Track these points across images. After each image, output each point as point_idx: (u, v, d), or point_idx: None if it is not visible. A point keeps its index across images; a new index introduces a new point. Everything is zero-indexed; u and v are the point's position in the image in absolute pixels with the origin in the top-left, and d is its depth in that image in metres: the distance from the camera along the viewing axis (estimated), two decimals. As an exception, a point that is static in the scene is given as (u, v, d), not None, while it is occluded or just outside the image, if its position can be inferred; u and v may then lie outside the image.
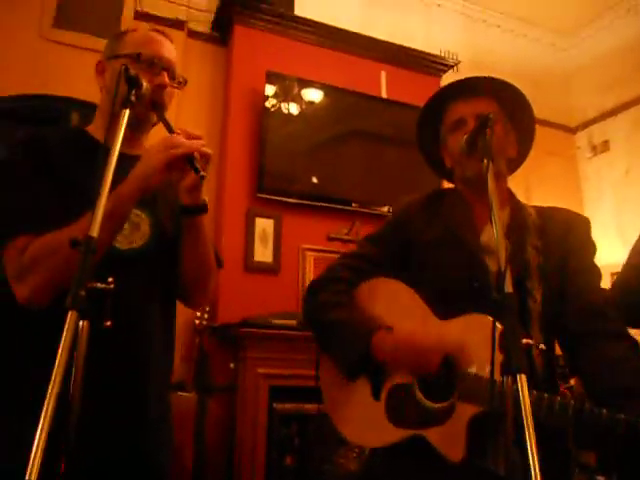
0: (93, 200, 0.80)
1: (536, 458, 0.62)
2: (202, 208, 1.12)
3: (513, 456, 0.83)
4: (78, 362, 0.70)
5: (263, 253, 3.03)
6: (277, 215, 3.13)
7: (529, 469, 0.61)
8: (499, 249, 0.80)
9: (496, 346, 0.74)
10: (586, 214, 4.15)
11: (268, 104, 3.18)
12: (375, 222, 2.70)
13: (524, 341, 0.68)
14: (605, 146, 4.35)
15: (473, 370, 1.05)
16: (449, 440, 1.04)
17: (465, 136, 1.10)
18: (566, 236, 1.20)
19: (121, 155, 0.88)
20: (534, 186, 4.19)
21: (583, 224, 1.25)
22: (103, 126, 1.16)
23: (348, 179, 3.32)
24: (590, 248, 1.22)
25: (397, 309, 1.20)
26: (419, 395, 1.11)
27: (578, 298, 1.14)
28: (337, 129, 3.36)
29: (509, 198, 1.28)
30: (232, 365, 2.80)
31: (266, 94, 3.18)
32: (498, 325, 0.89)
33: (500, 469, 1.00)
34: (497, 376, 0.88)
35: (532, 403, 0.68)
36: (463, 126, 1.21)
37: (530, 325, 1.09)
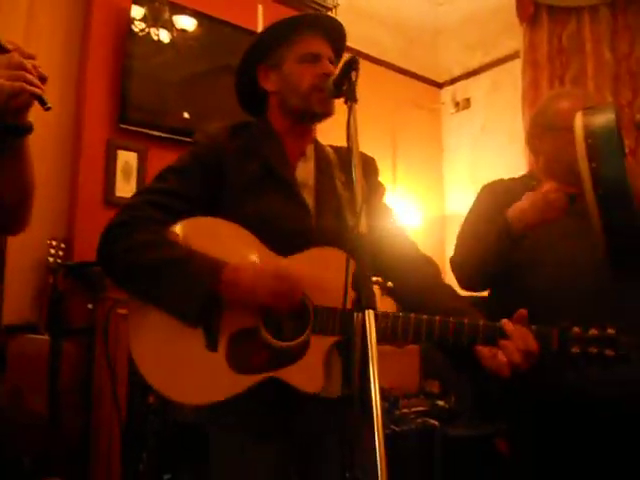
0: None
1: (377, 385, 0.67)
2: (28, 129, 0.99)
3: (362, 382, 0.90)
4: None
5: (125, 188, 2.85)
6: (142, 149, 2.95)
7: (370, 395, 0.66)
8: (356, 189, 0.83)
9: (349, 278, 0.77)
10: (445, 165, 4.43)
11: (135, 28, 2.92)
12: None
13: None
14: (467, 103, 4.63)
15: (324, 303, 1.06)
16: (307, 374, 1.04)
17: (332, 77, 1.10)
18: (365, 175, 1.24)
19: None
20: (400, 135, 4.38)
21: (375, 164, 1.33)
22: None
23: (220, 115, 3.19)
24: (382, 187, 1.34)
25: (232, 248, 1.10)
26: (267, 337, 1.07)
27: (386, 235, 1.24)
28: (211, 62, 3.19)
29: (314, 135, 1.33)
30: (90, 306, 2.66)
31: (132, 16, 2.91)
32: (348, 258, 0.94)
33: (336, 393, 1.06)
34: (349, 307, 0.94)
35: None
36: (317, 63, 1.21)
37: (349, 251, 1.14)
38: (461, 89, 4.67)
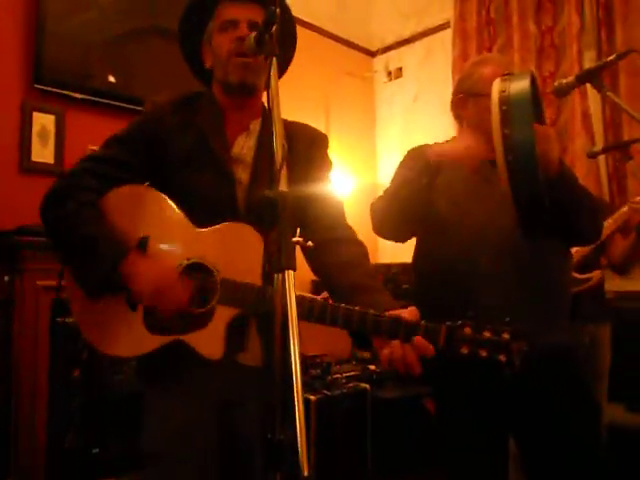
0: None
1: (298, 351, 0.66)
2: None
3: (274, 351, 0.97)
4: None
5: (42, 153, 2.67)
6: (60, 111, 2.77)
7: (290, 361, 0.66)
8: (276, 146, 0.81)
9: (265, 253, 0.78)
10: (378, 134, 4.45)
11: (50, -19, 2.71)
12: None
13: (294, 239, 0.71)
14: (399, 73, 4.65)
15: (231, 276, 1.11)
16: (209, 341, 1.10)
17: (253, 34, 1.06)
18: (310, 148, 1.30)
19: None
20: (333, 104, 4.35)
21: (324, 140, 1.36)
22: None
23: (145, 78, 3.05)
24: (328, 163, 1.35)
25: (151, 218, 1.17)
26: None
27: (318, 209, 1.26)
28: (138, 22, 3.03)
29: (262, 110, 1.31)
30: (7, 278, 2.51)
31: (47, -32, 2.69)
32: (257, 234, 1.08)
33: (257, 362, 1.14)
34: (259, 282, 1.07)
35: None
36: (234, 29, 1.21)
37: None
38: (394, 58, 4.68)
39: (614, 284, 3.07)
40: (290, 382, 0.64)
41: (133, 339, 1.14)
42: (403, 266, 3.65)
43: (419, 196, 1.44)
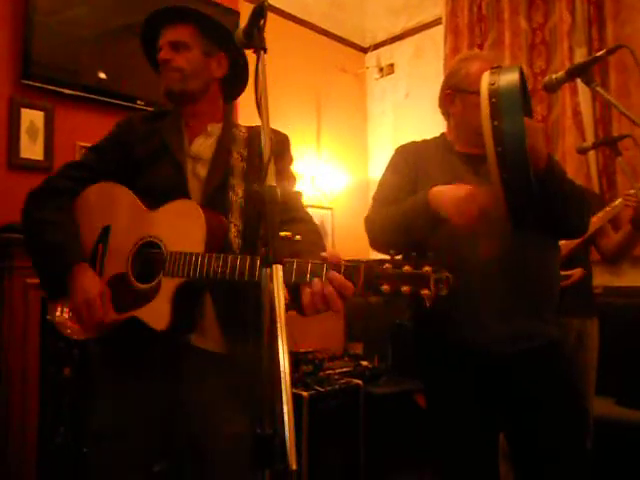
0: None
1: (285, 346, 0.66)
2: None
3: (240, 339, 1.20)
4: None
5: (32, 149, 2.65)
6: (49, 107, 2.75)
7: (277, 351, 0.65)
8: (264, 142, 0.80)
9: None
10: (369, 130, 4.45)
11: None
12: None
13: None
14: (390, 69, 4.65)
15: (178, 248, 1.19)
16: (156, 313, 1.18)
17: (242, 26, 1.05)
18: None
19: None
20: (325, 100, 4.35)
21: (282, 140, 1.44)
22: None
23: (135, 75, 3.03)
24: (286, 157, 1.43)
25: (115, 207, 1.32)
26: (131, 280, 1.25)
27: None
28: (129, 18, 3.00)
29: (224, 116, 1.45)
30: (-5, 275, 2.49)
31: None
32: (197, 206, 1.20)
33: (218, 347, 1.24)
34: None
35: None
36: (161, 51, 1.36)
37: (231, 212, 1.30)
38: (385, 54, 4.68)
39: (604, 279, 3.10)
40: (278, 376, 0.64)
41: None
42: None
43: (420, 227, 1.40)
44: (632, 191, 2.19)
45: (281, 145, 1.42)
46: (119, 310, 1.24)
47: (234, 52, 1.40)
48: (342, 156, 4.43)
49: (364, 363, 3.41)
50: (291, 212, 1.34)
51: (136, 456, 1.25)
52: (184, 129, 1.40)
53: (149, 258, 1.24)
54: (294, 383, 2.90)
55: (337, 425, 2.93)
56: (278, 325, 0.66)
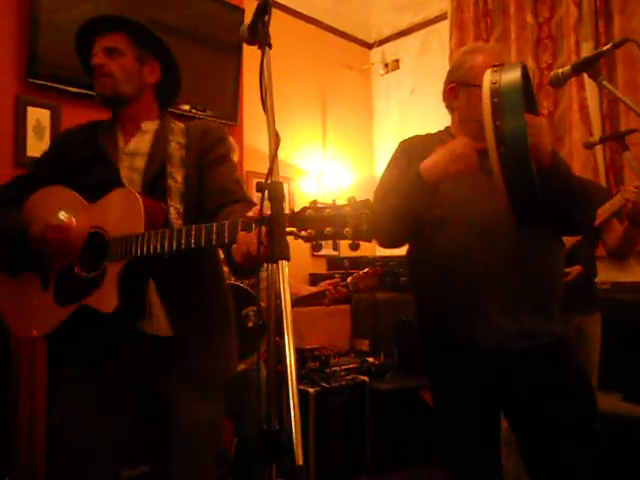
0: None
1: (292, 341, 0.66)
2: None
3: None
4: None
5: (38, 147, 2.65)
6: (55, 105, 2.76)
7: (284, 347, 0.65)
8: (270, 137, 0.80)
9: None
10: (375, 126, 4.43)
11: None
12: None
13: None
14: (396, 65, 4.64)
15: (120, 233, 1.25)
16: (104, 297, 1.23)
17: (247, 22, 1.05)
18: (203, 136, 1.47)
19: None
20: (330, 96, 4.34)
21: (218, 129, 1.52)
22: None
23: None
24: (223, 145, 1.48)
25: (60, 205, 1.36)
26: (78, 271, 1.30)
27: (212, 183, 1.41)
28: (132, 16, 3.00)
29: (160, 115, 1.52)
30: None
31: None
32: (133, 192, 1.27)
33: (165, 331, 1.28)
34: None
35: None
36: (95, 57, 1.42)
37: (170, 197, 1.35)
38: (390, 50, 4.67)
39: (610, 275, 3.08)
40: (285, 372, 0.64)
41: (44, 315, 1.32)
42: (402, 259, 3.66)
43: (415, 208, 1.41)
44: (632, 186, 2.17)
45: (218, 133, 1.49)
46: (67, 302, 1.28)
47: (167, 60, 1.48)
48: (348, 153, 4.42)
49: (370, 360, 3.41)
50: (227, 196, 1.38)
51: (96, 449, 1.28)
52: (120, 131, 1.48)
53: (94, 248, 1.29)
54: (300, 379, 2.91)
55: (343, 421, 2.94)
56: (284, 322, 0.66)
